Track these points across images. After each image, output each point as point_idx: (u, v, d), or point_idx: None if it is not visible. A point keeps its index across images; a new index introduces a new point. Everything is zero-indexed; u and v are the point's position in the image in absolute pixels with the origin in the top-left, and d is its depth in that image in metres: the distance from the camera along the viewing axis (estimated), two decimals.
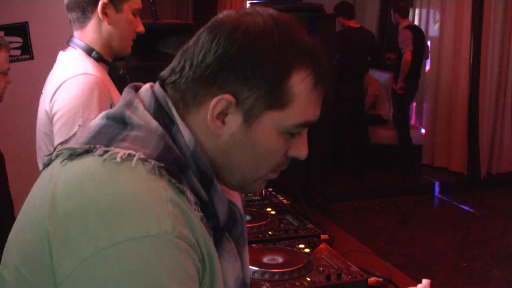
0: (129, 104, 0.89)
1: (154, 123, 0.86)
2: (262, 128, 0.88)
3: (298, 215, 2.02)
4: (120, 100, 0.93)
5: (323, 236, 1.88)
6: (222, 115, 0.88)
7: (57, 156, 0.89)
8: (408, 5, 6.57)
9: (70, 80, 1.74)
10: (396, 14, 6.15)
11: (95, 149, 0.84)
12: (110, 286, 0.74)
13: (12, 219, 2.27)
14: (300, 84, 0.87)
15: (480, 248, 4.56)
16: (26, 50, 3.30)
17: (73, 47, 1.86)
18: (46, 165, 0.91)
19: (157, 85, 0.93)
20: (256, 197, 2.20)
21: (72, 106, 1.72)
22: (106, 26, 1.83)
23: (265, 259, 1.63)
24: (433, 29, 6.74)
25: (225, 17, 0.91)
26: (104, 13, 1.81)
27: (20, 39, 3.27)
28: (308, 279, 1.53)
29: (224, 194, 0.91)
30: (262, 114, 0.87)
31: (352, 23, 6.10)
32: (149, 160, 0.82)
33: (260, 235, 1.82)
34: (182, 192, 0.83)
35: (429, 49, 6.54)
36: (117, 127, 0.87)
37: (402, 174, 6.32)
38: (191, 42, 0.91)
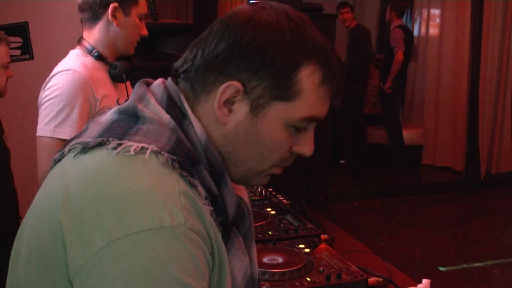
0: (141, 98, 0.90)
1: (166, 117, 0.87)
2: (268, 118, 0.89)
3: (298, 215, 2.02)
4: (131, 95, 0.93)
5: (323, 236, 1.88)
6: (229, 103, 0.89)
7: (69, 151, 0.89)
8: (405, 6, 6.59)
9: (57, 74, 1.89)
10: (393, 13, 6.15)
11: (108, 142, 0.84)
12: (123, 277, 0.74)
13: (17, 215, 2.29)
14: (308, 78, 0.89)
15: (480, 248, 4.56)
16: (26, 50, 3.30)
17: (78, 46, 1.99)
18: (58, 160, 0.92)
19: (169, 80, 0.94)
20: (256, 197, 2.19)
21: (51, 97, 1.87)
22: (114, 28, 1.95)
23: (265, 259, 1.63)
24: (433, 29, 6.74)
25: (239, 10, 0.93)
26: (114, 16, 1.92)
27: (20, 39, 3.27)
28: (308, 279, 1.53)
29: (233, 189, 0.91)
30: (268, 104, 0.89)
31: (356, 22, 6.13)
32: (162, 152, 0.82)
33: (260, 235, 1.82)
34: (193, 186, 0.84)
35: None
36: (129, 121, 0.88)
37: (397, 174, 6.30)
38: (204, 33, 0.93)
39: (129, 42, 2.00)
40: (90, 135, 0.87)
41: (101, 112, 1.11)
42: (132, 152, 0.81)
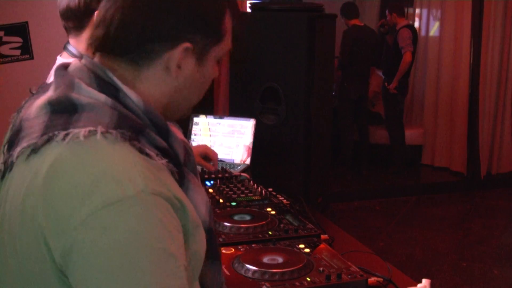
0: (71, 87, 0.91)
1: (102, 97, 0.90)
2: (209, 62, 1.01)
3: (298, 215, 2.02)
4: (53, 83, 0.95)
5: (323, 236, 1.88)
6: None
7: (17, 158, 0.91)
8: (403, 3, 6.56)
9: None
10: (394, 14, 6.13)
11: (55, 136, 0.86)
12: (101, 256, 0.78)
13: None
14: (228, 20, 1.02)
15: (480, 248, 4.56)
16: (26, 50, 3.30)
17: (70, 56, 1.91)
18: (3, 174, 0.94)
19: (87, 60, 0.96)
20: (256, 197, 2.20)
21: None
22: None
23: (265, 259, 1.63)
24: (433, 29, 6.74)
25: None
26: None
27: (20, 39, 3.27)
28: (308, 279, 1.53)
29: (177, 136, 0.97)
30: (208, 51, 1.00)
31: (357, 22, 6.11)
32: (109, 131, 0.85)
33: (260, 235, 1.82)
34: (143, 152, 0.87)
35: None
36: (67, 110, 0.89)
37: (395, 174, 6.30)
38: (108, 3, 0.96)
39: None
40: (33, 136, 0.89)
41: None
42: (82, 138, 0.84)
